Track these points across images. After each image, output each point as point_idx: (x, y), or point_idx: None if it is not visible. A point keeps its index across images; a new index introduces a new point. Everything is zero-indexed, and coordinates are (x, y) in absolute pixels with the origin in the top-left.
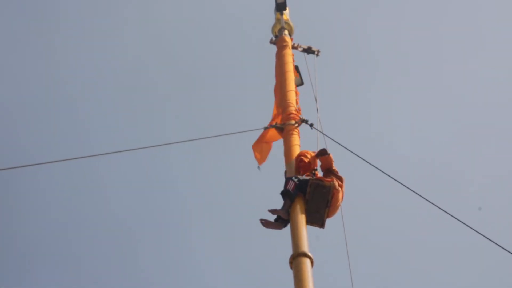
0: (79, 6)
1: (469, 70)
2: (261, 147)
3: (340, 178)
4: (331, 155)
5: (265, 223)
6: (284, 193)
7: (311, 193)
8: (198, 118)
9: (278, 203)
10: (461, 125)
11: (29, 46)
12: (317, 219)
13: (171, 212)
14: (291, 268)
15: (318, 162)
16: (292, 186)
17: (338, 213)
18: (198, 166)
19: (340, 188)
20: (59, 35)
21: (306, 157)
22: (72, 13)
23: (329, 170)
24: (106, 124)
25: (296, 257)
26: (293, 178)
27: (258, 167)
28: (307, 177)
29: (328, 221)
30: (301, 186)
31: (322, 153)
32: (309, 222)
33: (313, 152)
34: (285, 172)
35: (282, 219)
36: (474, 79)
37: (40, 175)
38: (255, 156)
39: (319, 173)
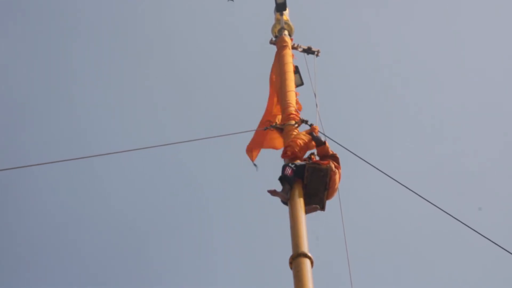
0: (78, 5)
1: (467, 70)
2: (256, 149)
3: (336, 159)
4: (327, 143)
5: (273, 192)
6: (282, 178)
7: (309, 177)
8: (198, 118)
9: (279, 203)
10: (461, 124)
11: (29, 46)
12: (317, 202)
13: (171, 212)
14: (291, 268)
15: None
16: (289, 172)
17: (338, 214)
18: (197, 166)
19: (337, 170)
20: (59, 34)
21: (296, 144)
22: (71, 12)
23: (326, 156)
24: (109, 123)
25: (296, 258)
26: (290, 164)
27: (255, 165)
28: (304, 162)
29: (328, 221)
30: (299, 172)
31: (319, 143)
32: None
33: (306, 132)
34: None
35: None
36: (474, 78)
37: (43, 175)
38: (251, 156)
39: (315, 157)
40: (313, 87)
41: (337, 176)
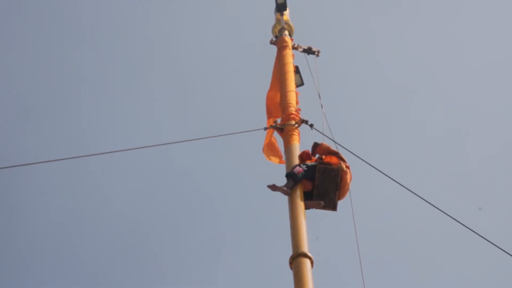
0: (77, 3)
1: (468, 70)
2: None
3: (343, 159)
4: (322, 143)
5: (273, 187)
6: (289, 175)
7: (319, 178)
8: (198, 118)
9: (279, 203)
10: (462, 124)
11: (31, 47)
12: (328, 202)
13: (171, 212)
14: (291, 268)
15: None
16: (298, 170)
17: (338, 214)
18: (197, 166)
19: (347, 170)
20: (60, 35)
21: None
22: (70, 10)
23: (330, 152)
24: (109, 123)
25: (296, 258)
26: (301, 165)
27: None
28: (314, 163)
29: (328, 221)
30: (309, 173)
31: (315, 147)
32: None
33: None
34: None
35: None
36: (474, 78)
37: (42, 174)
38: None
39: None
40: (317, 88)
41: (348, 176)
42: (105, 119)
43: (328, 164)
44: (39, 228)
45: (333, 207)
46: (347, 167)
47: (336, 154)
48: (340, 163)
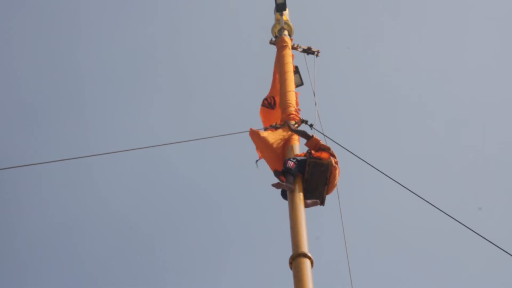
0: (77, 3)
1: (467, 69)
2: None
3: (333, 155)
4: (314, 136)
5: (278, 185)
6: (285, 172)
7: (309, 171)
8: (198, 118)
9: (279, 203)
10: (462, 124)
11: (28, 45)
12: (316, 197)
13: (171, 213)
14: (291, 268)
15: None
16: (291, 164)
17: (338, 214)
18: (197, 166)
19: (336, 165)
20: (61, 36)
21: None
22: (70, 11)
23: (320, 148)
24: (108, 124)
25: (296, 258)
26: (291, 159)
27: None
28: (305, 157)
29: (328, 221)
30: (300, 166)
31: (305, 137)
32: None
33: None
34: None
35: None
36: (473, 77)
37: (42, 175)
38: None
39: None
40: (313, 87)
41: (337, 172)
42: (105, 120)
43: (319, 158)
44: (39, 228)
45: (321, 202)
46: (336, 162)
47: (327, 149)
48: (330, 158)
